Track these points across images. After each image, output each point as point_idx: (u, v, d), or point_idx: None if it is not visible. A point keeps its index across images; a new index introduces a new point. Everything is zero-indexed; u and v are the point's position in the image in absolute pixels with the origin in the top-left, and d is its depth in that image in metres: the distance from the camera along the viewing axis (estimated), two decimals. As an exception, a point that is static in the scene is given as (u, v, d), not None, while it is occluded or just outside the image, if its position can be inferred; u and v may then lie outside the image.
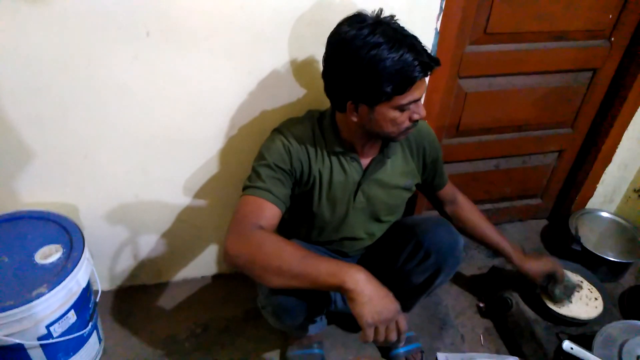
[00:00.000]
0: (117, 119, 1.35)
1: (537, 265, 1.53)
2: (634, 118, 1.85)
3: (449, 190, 1.50)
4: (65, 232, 1.35)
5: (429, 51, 1.07)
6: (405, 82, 1.04)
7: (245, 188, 1.19)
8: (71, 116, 1.31)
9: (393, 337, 1.04)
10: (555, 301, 1.57)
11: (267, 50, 1.34)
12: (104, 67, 1.26)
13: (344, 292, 1.02)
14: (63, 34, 1.18)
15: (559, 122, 1.89)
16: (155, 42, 1.25)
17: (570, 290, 1.59)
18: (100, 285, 1.48)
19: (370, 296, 1.01)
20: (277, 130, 1.25)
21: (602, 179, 2.03)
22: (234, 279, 1.82)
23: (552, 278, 1.55)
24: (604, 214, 2.05)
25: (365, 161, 1.29)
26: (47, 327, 1.23)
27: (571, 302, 1.59)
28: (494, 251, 1.53)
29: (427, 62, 1.04)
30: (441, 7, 1.41)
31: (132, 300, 1.71)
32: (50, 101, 1.27)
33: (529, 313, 1.61)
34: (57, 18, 1.15)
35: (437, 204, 1.54)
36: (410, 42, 1.04)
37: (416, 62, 1.02)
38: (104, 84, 1.28)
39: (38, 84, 1.24)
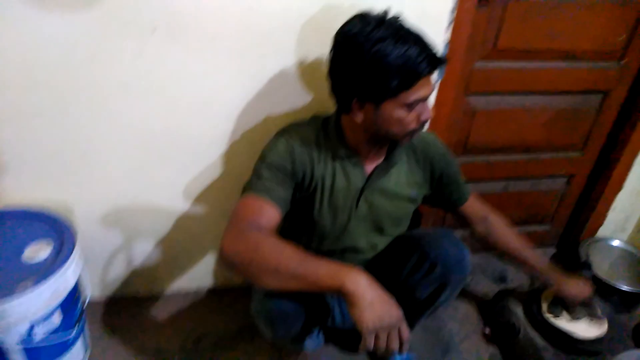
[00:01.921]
0: (118, 117, 1.33)
1: (577, 291, 1.50)
2: (645, 144, 1.81)
3: (476, 207, 1.43)
4: (57, 229, 1.31)
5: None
6: (411, 77, 1.02)
7: (245, 189, 1.15)
8: (71, 112, 1.29)
9: (395, 345, 0.97)
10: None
11: (273, 54, 1.32)
12: (107, 63, 1.24)
13: (344, 296, 0.97)
14: (66, 27, 1.17)
15: (568, 144, 1.86)
16: (160, 39, 1.23)
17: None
18: (91, 293, 1.43)
19: (372, 301, 0.96)
20: (281, 133, 1.23)
21: (613, 205, 1.97)
22: (229, 294, 1.76)
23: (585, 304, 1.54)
24: (615, 243, 1.99)
25: (369, 167, 1.25)
26: (30, 327, 1.18)
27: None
28: (531, 273, 1.50)
29: (433, 56, 1.02)
30: (451, 18, 1.40)
31: (122, 310, 1.65)
32: (50, 95, 1.25)
33: (537, 339, 1.53)
34: (60, 11, 1.14)
35: (466, 223, 1.46)
36: (415, 37, 1.02)
37: (422, 57, 1.00)
38: (106, 81, 1.26)
39: (38, 77, 1.22)
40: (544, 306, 1.58)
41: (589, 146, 1.87)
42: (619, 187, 1.92)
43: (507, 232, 1.45)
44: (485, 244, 1.47)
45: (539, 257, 1.46)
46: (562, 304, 1.55)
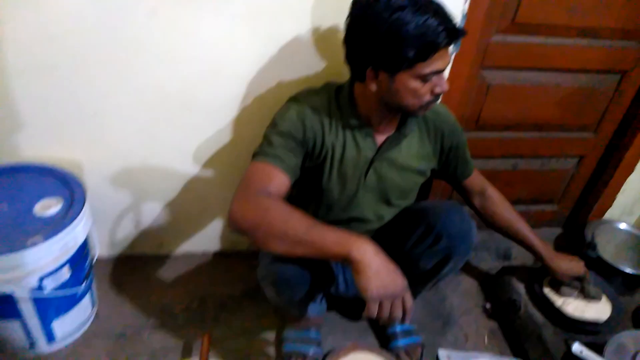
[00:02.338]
0: (130, 76, 1.32)
1: (568, 267, 1.50)
2: (660, 127, 1.79)
3: (477, 181, 1.44)
4: (67, 186, 1.32)
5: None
6: (429, 48, 1.00)
7: (255, 154, 1.15)
8: (83, 69, 1.28)
9: (398, 314, 0.99)
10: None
11: (287, 18, 1.30)
12: (120, 22, 1.23)
13: (350, 263, 0.98)
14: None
15: (581, 125, 1.83)
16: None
17: (588, 299, 1.55)
18: (99, 251, 1.46)
19: (377, 269, 0.97)
20: (293, 99, 1.22)
21: (622, 188, 1.96)
22: (235, 258, 1.78)
23: (578, 281, 1.53)
24: (622, 226, 1.98)
25: (380, 138, 1.24)
26: (40, 279, 1.20)
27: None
28: (524, 247, 1.50)
29: (452, 28, 1.00)
30: (470, -11, 1.37)
31: (130, 269, 1.68)
32: (64, 52, 1.25)
33: (538, 316, 1.55)
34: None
35: (465, 195, 1.48)
36: (435, 7, 1.00)
37: (441, 28, 0.98)
38: (119, 38, 1.25)
39: (53, 32, 1.21)
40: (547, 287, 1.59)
41: (602, 127, 1.85)
42: (629, 170, 1.90)
43: (503, 206, 1.47)
44: (480, 217, 1.49)
45: (533, 233, 1.47)
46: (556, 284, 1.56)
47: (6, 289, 1.15)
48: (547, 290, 1.59)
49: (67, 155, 1.42)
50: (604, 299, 1.59)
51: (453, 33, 1.01)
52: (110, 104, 1.36)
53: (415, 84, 1.06)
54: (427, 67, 1.03)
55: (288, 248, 1.01)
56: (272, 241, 1.02)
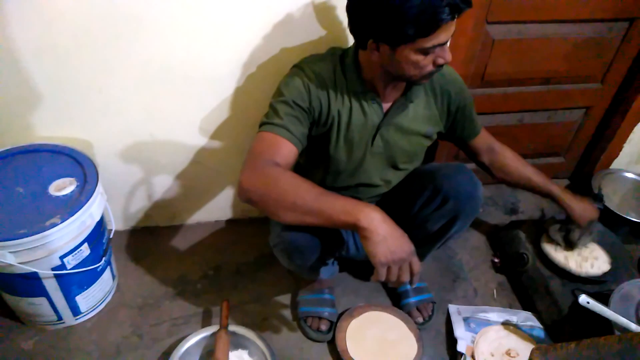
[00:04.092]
0: (132, 51, 1.32)
1: (585, 208, 1.51)
2: (668, 75, 1.76)
3: (484, 139, 1.43)
4: (80, 166, 1.34)
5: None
6: (431, 25, 0.98)
7: (262, 124, 1.16)
8: (85, 47, 1.28)
9: (405, 278, 1.02)
10: (574, 246, 1.58)
11: (288, -18, 1.28)
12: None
13: (358, 230, 1.00)
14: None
15: (588, 75, 1.81)
16: (173, -31, 1.20)
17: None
18: (115, 225, 1.49)
19: (385, 235, 0.99)
20: (297, 67, 1.21)
21: (629, 138, 1.95)
22: (247, 225, 1.82)
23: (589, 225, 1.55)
24: (629, 175, 1.98)
25: (386, 104, 1.24)
26: (61, 258, 1.24)
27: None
28: (542, 195, 1.50)
29: (456, 4, 0.97)
30: (472, -58, 1.32)
31: (145, 241, 1.72)
32: (64, 30, 1.24)
33: (544, 270, 1.58)
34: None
35: (472, 155, 1.47)
36: None
37: (445, 3, 0.95)
38: (119, 13, 1.24)
39: (52, 13, 1.20)
40: (544, 237, 1.62)
41: (609, 77, 1.82)
42: (637, 119, 1.89)
43: (513, 158, 1.46)
44: (491, 174, 1.49)
45: (546, 178, 1.47)
46: (564, 230, 1.59)
47: (30, 269, 1.19)
48: (549, 247, 1.61)
49: (76, 134, 1.44)
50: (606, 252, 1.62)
51: (457, 9, 0.98)
52: (114, 80, 1.36)
53: (416, 57, 1.05)
54: (429, 42, 1.01)
55: (297, 217, 1.03)
56: (281, 211, 1.04)
